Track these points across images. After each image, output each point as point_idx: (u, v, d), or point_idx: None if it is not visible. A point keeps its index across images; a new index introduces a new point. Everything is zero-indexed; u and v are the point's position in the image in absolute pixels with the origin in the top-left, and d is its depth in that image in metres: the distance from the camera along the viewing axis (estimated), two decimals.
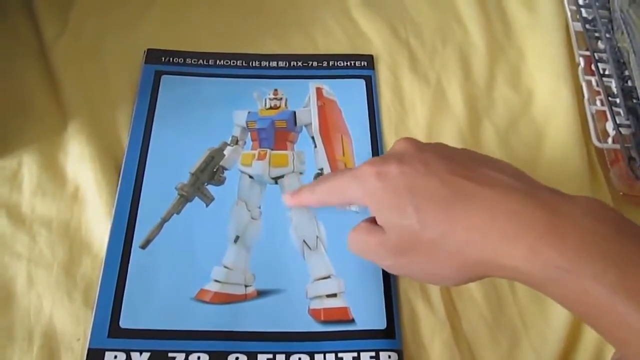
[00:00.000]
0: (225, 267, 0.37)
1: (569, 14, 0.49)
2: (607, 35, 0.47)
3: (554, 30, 0.47)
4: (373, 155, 0.41)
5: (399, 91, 0.45)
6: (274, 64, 0.45)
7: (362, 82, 0.45)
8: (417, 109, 0.44)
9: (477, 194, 0.27)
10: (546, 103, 0.44)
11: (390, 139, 0.42)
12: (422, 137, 0.41)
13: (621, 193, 0.40)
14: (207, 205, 0.39)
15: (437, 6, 0.50)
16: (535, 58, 0.47)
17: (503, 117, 0.44)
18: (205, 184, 0.40)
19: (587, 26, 0.48)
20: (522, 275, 0.26)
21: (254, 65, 0.45)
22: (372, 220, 0.32)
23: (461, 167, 0.29)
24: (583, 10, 0.49)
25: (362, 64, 0.45)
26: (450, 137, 0.42)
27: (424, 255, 0.29)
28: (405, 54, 0.46)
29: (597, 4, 0.49)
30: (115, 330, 0.34)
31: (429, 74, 0.45)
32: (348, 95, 0.44)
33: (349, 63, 0.45)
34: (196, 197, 0.39)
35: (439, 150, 0.30)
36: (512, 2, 0.50)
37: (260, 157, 0.41)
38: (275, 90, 0.44)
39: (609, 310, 0.23)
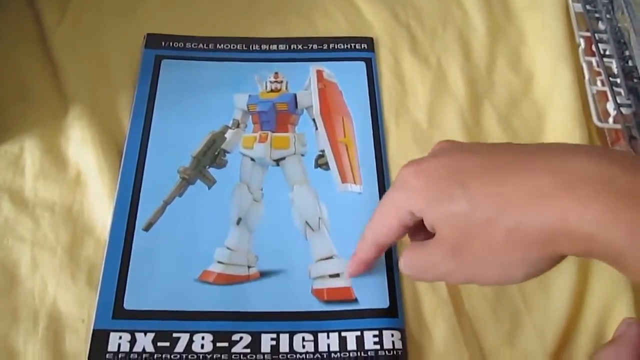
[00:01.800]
0: (228, 248, 0.37)
1: None
2: (608, 16, 0.47)
3: (554, 12, 0.47)
4: (374, 137, 0.41)
5: (399, 73, 0.45)
6: (274, 47, 0.45)
7: (363, 64, 0.45)
8: (417, 91, 0.44)
9: (531, 161, 0.24)
10: (546, 84, 0.44)
11: (390, 120, 0.42)
12: (423, 118, 0.42)
13: None
14: (209, 188, 0.39)
15: None
16: (535, 39, 0.47)
17: (503, 98, 0.44)
18: (207, 167, 0.40)
19: (588, 7, 0.48)
20: (599, 245, 0.22)
21: (254, 48, 0.45)
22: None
23: (504, 146, 0.27)
24: None
25: (363, 47, 0.45)
26: (451, 118, 0.42)
27: (483, 244, 0.25)
28: (405, 37, 0.46)
29: None
30: (119, 312, 0.34)
31: (429, 56, 0.45)
32: (349, 77, 0.44)
33: (349, 46, 0.45)
34: (198, 180, 0.39)
35: (478, 144, 0.29)
36: None
37: (262, 140, 0.41)
38: (276, 73, 0.44)
39: None
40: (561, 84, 0.43)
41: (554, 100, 0.43)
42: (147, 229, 0.37)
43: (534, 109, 0.43)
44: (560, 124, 0.42)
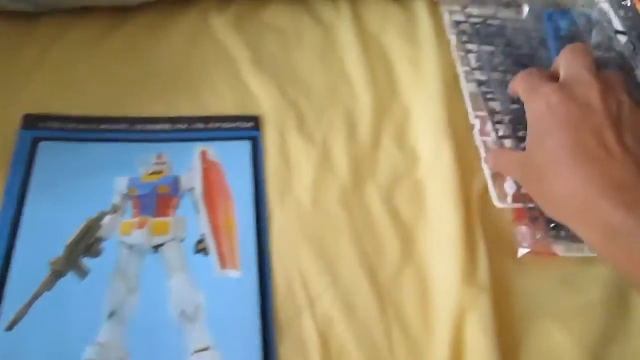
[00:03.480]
0: (99, 345, 0.35)
1: (461, 75, 0.50)
2: (502, 97, 0.47)
3: (437, 88, 0.49)
4: (256, 219, 0.41)
5: (285, 152, 0.45)
6: (159, 127, 0.45)
7: (248, 143, 0.45)
8: (302, 170, 0.44)
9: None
10: (429, 162, 0.45)
11: (274, 201, 0.42)
12: (307, 199, 0.42)
13: (525, 251, 0.41)
14: (81, 280, 0.37)
15: (327, 66, 0.51)
16: (419, 116, 0.48)
17: (387, 176, 0.45)
18: (81, 256, 0.38)
19: (482, 88, 0.48)
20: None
21: (138, 129, 0.45)
22: None
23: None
24: (476, 72, 0.49)
25: (249, 125, 0.46)
26: (334, 198, 0.43)
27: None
28: (292, 115, 0.47)
29: (490, 65, 0.49)
30: None
31: (315, 134, 0.46)
32: (233, 157, 0.44)
33: (235, 124, 0.46)
34: (70, 272, 0.38)
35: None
36: (399, 60, 0.52)
37: (141, 226, 0.40)
38: (159, 154, 0.43)
39: None
40: (442, 162, 0.45)
41: (435, 179, 0.44)
42: (10, 328, 0.35)
43: (417, 188, 0.44)
44: (439, 204, 0.43)
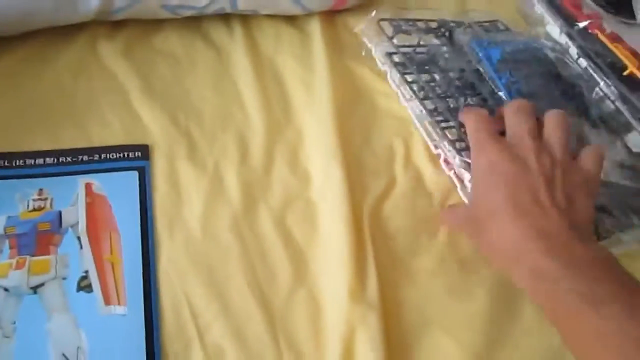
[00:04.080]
0: None
1: (409, 107, 0.49)
2: (455, 122, 0.46)
3: (331, 111, 0.50)
4: (143, 252, 0.40)
5: (174, 181, 0.44)
6: (40, 161, 0.44)
7: (135, 173, 0.44)
8: (192, 198, 0.44)
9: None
10: (321, 183, 0.46)
11: (163, 232, 0.41)
12: (197, 228, 0.42)
13: None
14: None
15: (221, 90, 0.51)
16: (312, 139, 0.49)
17: (279, 199, 0.45)
18: None
19: (436, 117, 0.47)
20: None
21: (18, 164, 0.43)
22: None
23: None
24: (426, 102, 0.48)
25: (136, 155, 0.45)
26: (225, 225, 0.42)
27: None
28: (183, 142, 0.46)
29: (435, 93, 0.49)
30: None
31: (207, 160, 0.46)
32: (120, 189, 0.43)
33: (122, 155, 0.45)
34: None
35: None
36: (292, 83, 0.52)
37: (19, 266, 0.38)
38: (40, 190, 0.42)
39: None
40: (332, 183, 0.45)
41: (327, 200, 0.45)
42: None
43: (309, 209, 0.45)
44: (330, 223, 0.44)
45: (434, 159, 0.48)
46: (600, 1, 0.68)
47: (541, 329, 0.41)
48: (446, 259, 0.44)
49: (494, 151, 0.40)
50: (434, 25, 0.54)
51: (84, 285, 0.38)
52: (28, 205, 0.41)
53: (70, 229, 0.41)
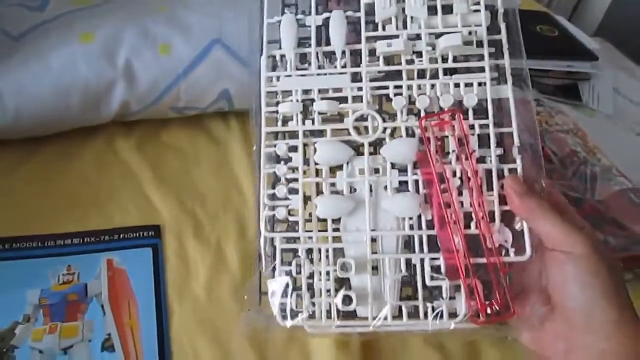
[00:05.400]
0: None
1: None
2: None
3: None
4: (157, 317, 0.47)
5: (183, 255, 0.52)
6: (68, 241, 0.51)
7: (150, 250, 0.51)
8: (199, 270, 0.51)
9: None
10: None
11: (174, 299, 0.48)
12: (203, 294, 0.49)
13: None
14: None
15: (221, 177, 0.59)
16: None
17: None
18: None
19: None
20: None
21: (49, 244, 0.50)
22: None
23: None
24: None
25: (150, 234, 0.52)
26: (227, 291, 0.49)
27: None
28: (190, 222, 0.54)
29: None
30: None
31: (210, 237, 0.53)
32: (136, 263, 0.50)
33: (137, 234, 0.52)
34: None
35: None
36: None
37: (51, 331, 0.45)
38: (69, 266, 0.49)
39: None
40: None
41: None
42: None
43: None
44: None
45: None
46: (550, 90, 0.79)
47: None
48: None
49: None
50: None
51: (107, 346, 0.45)
52: (58, 279, 0.48)
53: (94, 299, 0.47)
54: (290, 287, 0.39)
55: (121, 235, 0.52)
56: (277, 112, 0.41)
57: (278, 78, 0.42)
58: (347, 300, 0.38)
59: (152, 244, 0.52)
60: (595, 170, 0.62)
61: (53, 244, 0.51)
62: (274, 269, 0.40)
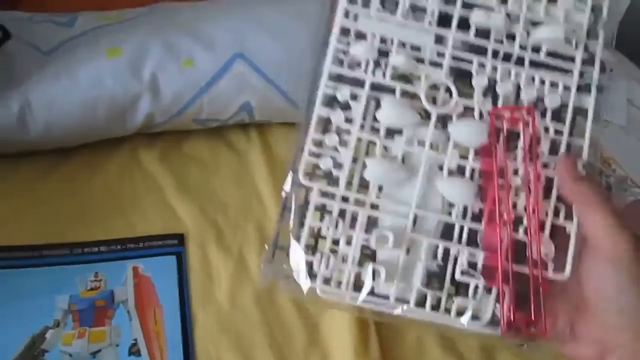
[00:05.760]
0: None
1: None
2: None
3: None
4: (182, 322, 0.48)
5: (206, 263, 0.53)
6: (96, 249, 0.53)
7: (174, 258, 0.53)
8: (221, 278, 0.52)
9: None
10: None
11: (198, 306, 0.50)
12: (225, 301, 0.50)
13: None
14: None
15: (241, 186, 0.61)
16: None
17: None
18: None
19: None
20: None
21: (77, 252, 0.52)
22: None
23: None
24: None
25: (173, 242, 0.54)
26: (249, 298, 0.51)
27: None
28: (212, 231, 0.56)
29: None
30: None
31: (232, 245, 0.55)
32: (161, 271, 0.52)
33: (162, 242, 0.54)
34: None
35: None
36: None
37: (80, 336, 0.46)
38: (96, 273, 0.51)
39: None
40: None
41: None
42: None
43: None
44: None
45: None
46: None
47: None
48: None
49: None
50: None
51: (133, 351, 0.46)
52: (87, 286, 0.50)
53: (121, 305, 0.49)
54: (313, 247, 0.37)
55: (146, 244, 0.54)
56: (345, 53, 0.38)
57: (356, 17, 0.38)
58: (375, 274, 0.36)
59: (176, 252, 0.53)
60: (610, 181, 0.63)
61: (81, 252, 0.52)
62: (301, 224, 0.37)
